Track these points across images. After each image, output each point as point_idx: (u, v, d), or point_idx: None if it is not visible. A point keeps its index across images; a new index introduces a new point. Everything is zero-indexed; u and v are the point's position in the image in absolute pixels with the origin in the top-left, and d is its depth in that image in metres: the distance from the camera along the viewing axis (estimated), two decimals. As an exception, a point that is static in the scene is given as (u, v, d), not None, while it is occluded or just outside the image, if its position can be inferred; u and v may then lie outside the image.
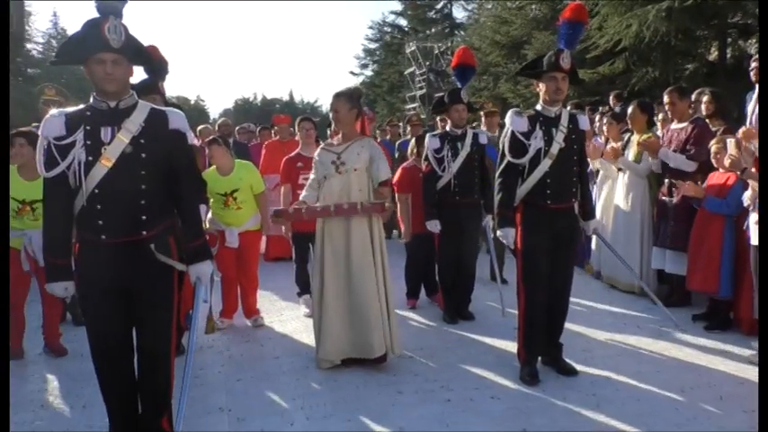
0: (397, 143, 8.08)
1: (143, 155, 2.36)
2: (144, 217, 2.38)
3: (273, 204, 4.80)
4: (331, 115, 3.70)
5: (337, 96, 3.64)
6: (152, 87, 3.58)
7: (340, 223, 3.55)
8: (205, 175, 4.54)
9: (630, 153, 5.15)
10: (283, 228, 4.83)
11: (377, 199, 3.64)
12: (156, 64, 3.69)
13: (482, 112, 5.93)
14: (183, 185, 2.49)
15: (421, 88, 24.96)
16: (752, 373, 3.41)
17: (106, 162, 2.30)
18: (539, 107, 3.46)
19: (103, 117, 2.36)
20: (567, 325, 3.71)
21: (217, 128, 7.99)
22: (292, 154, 5.05)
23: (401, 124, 9.79)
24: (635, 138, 5.12)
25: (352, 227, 3.54)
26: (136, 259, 2.39)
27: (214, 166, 4.56)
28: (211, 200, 4.52)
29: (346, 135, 3.67)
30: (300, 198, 3.65)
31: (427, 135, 4.79)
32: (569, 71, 3.32)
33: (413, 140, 5.28)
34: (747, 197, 3.70)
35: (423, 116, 19.08)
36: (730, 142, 3.86)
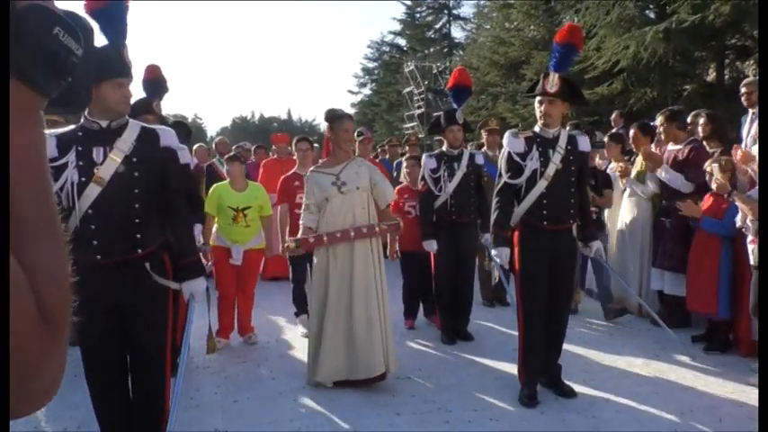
0: (395, 162, 8.15)
1: (136, 173, 2.39)
2: (138, 235, 2.40)
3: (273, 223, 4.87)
4: (339, 136, 3.68)
5: (350, 118, 3.73)
6: (146, 107, 3.62)
7: (345, 245, 3.59)
8: (218, 188, 4.72)
9: (633, 171, 5.23)
10: (281, 247, 4.88)
11: (383, 219, 3.72)
12: (154, 83, 3.76)
13: (484, 130, 5.99)
14: (175, 203, 2.52)
15: (419, 107, 25.17)
16: (751, 395, 3.41)
17: (99, 182, 2.33)
18: (536, 128, 3.50)
19: (95, 137, 2.39)
20: (566, 346, 3.73)
21: (214, 146, 8.09)
22: (289, 173, 5.11)
23: (399, 143, 9.89)
24: (639, 159, 5.21)
25: (355, 247, 3.59)
26: (131, 279, 2.40)
27: (227, 181, 4.71)
28: (216, 218, 4.61)
29: (340, 156, 3.74)
30: (303, 223, 3.66)
31: (424, 155, 4.89)
32: (557, 94, 3.34)
33: (405, 161, 5.37)
34: (739, 219, 3.75)
35: (421, 135, 19.21)
36: (715, 166, 3.93)
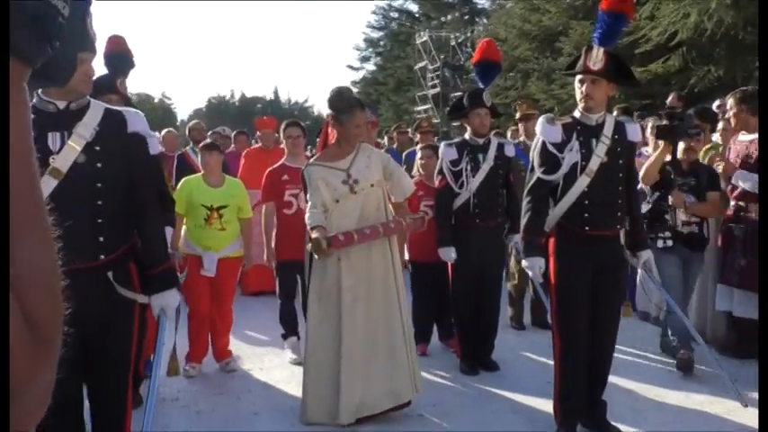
0: (404, 153, 8.15)
1: (99, 164, 2.39)
2: (101, 238, 2.41)
3: (255, 226, 4.87)
4: (348, 131, 3.75)
5: (363, 107, 3.81)
6: (110, 86, 3.63)
7: (361, 249, 3.68)
8: (188, 182, 4.75)
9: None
10: (265, 255, 4.96)
11: (400, 215, 3.86)
12: (118, 57, 3.77)
13: (517, 115, 6.02)
14: (146, 200, 2.54)
15: (434, 87, 25.23)
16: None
17: (55, 174, 2.32)
18: (577, 113, 3.53)
19: (51, 121, 2.38)
20: (612, 379, 3.73)
21: (187, 132, 8.11)
22: (276, 165, 5.11)
23: (410, 131, 9.92)
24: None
25: (373, 251, 3.73)
26: (90, 291, 2.36)
27: (200, 174, 4.73)
28: (185, 218, 4.66)
29: (345, 148, 3.79)
30: (311, 223, 3.67)
31: (442, 144, 4.89)
32: (602, 72, 3.37)
33: (420, 151, 5.40)
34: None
35: (435, 120, 19.24)
36: None
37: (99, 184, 2.40)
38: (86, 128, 2.40)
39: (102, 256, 2.42)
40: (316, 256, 3.63)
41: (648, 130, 5.45)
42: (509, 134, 8.72)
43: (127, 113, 2.54)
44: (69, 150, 2.36)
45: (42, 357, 0.56)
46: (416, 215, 3.91)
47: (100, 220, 2.41)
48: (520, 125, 6.22)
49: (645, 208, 4.58)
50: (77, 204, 2.36)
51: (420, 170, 5.27)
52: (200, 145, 5.09)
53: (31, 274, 0.55)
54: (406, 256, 5.11)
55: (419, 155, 5.37)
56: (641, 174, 4.55)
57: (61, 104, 2.41)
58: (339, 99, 3.73)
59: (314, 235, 3.56)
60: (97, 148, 2.40)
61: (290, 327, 5.02)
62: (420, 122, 8.61)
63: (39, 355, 0.56)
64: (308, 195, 3.76)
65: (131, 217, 2.54)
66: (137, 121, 2.53)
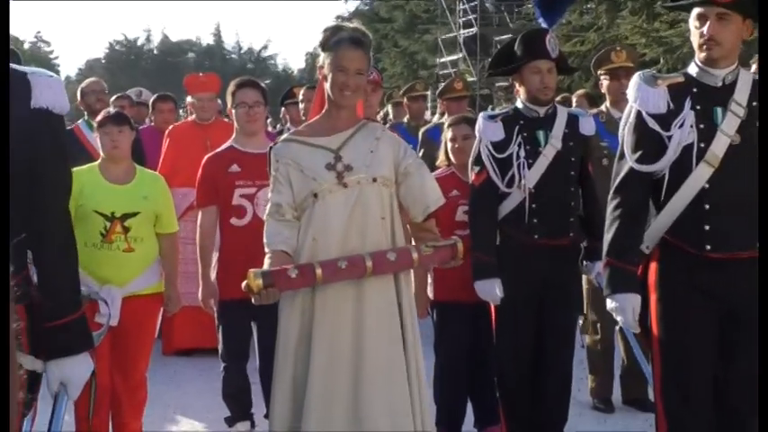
0: (421, 131, 8.07)
1: None
2: None
3: (183, 245, 4.82)
4: (336, 78, 3.64)
5: (356, 43, 3.67)
6: None
7: (347, 287, 3.61)
8: (79, 175, 4.70)
9: None
10: (200, 292, 5.02)
11: (421, 238, 3.76)
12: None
13: (600, 71, 6.03)
14: (48, 216, 2.64)
15: (468, 26, 25.32)
16: None
17: None
18: (692, 68, 3.55)
19: None
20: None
21: (78, 96, 7.99)
22: (219, 149, 5.15)
23: (429, 94, 9.83)
24: None
25: (366, 293, 3.60)
26: None
27: (96, 163, 4.81)
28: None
29: (340, 118, 3.76)
30: (269, 243, 3.65)
31: (480, 118, 4.86)
32: (733, 3, 3.37)
33: (450, 128, 5.33)
34: None
35: (471, 79, 19.22)
36: None
37: None
38: None
39: None
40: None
41: None
42: (573, 100, 8.68)
43: (33, 76, 2.63)
44: None
45: None
46: (445, 242, 3.73)
47: None
48: (603, 84, 6.17)
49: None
50: None
51: (451, 155, 5.21)
52: (98, 118, 5.01)
53: None
54: (429, 295, 5.10)
55: (448, 133, 5.32)
56: None
57: None
58: (329, 29, 3.73)
59: (253, 270, 3.44)
60: None
61: (239, 406, 4.98)
62: (451, 83, 8.50)
63: None
64: (269, 190, 3.75)
65: (26, 240, 2.57)
66: (45, 89, 2.62)
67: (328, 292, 3.58)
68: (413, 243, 3.81)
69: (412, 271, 3.92)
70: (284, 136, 3.89)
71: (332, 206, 3.63)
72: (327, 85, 3.68)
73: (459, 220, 4.99)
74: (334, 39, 3.67)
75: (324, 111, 3.78)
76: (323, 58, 3.71)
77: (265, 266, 3.55)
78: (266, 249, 3.64)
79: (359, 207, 3.63)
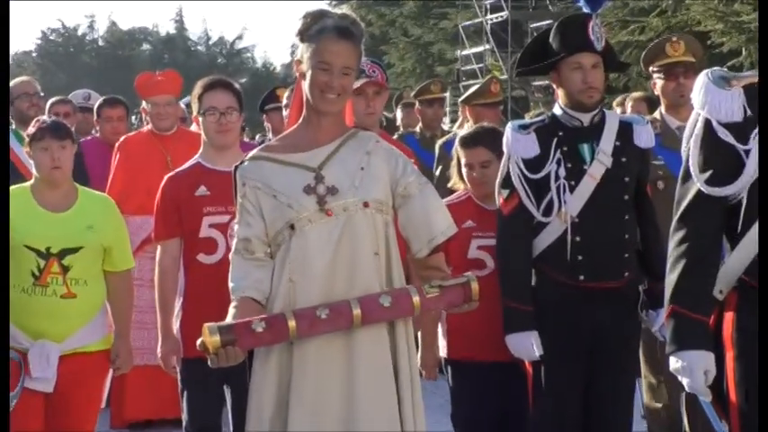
0: (438, 144, 8.07)
1: None
2: None
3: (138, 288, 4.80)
4: (315, 77, 3.61)
5: (343, 34, 3.64)
6: None
7: (333, 341, 3.57)
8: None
9: None
10: (159, 347, 5.01)
11: (425, 276, 3.71)
12: None
13: (652, 67, 6.03)
14: None
15: (496, 9, 25.44)
16: None
17: None
18: None
19: None
20: None
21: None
22: (184, 167, 5.22)
23: (447, 96, 9.83)
24: None
25: (357, 347, 3.57)
26: None
27: (28, 184, 4.89)
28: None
29: (323, 128, 3.71)
30: (235, 287, 3.63)
31: (509, 128, 4.90)
32: None
33: (461, 149, 5.30)
34: None
35: (502, 77, 19.27)
36: None
37: None
38: None
39: None
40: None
41: None
42: (627, 106, 8.60)
43: None
44: None
45: None
46: (455, 280, 3.66)
47: None
48: (656, 85, 6.15)
49: None
50: None
51: (465, 180, 5.20)
52: (31, 127, 5.02)
53: None
54: (441, 352, 5.15)
55: (461, 156, 5.30)
56: None
57: None
58: (312, 20, 3.68)
59: (208, 325, 3.42)
60: None
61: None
62: (487, 86, 8.37)
63: None
64: (235, 220, 3.75)
65: None
66: None
67: (309, 348, 3.55)
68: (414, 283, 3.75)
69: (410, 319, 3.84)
70: (253, 152, 3.84)
71: (312, 239, 3.58)
72: (306, 86, 3.64)
73: (472, 257, 4.99)
74: (316, 27, 3.62)
75: (301, 119, 3.74)
76: (301, 51, 3.66)
77: (229, 318, 3.52)
78: (231, 296, 3.60)
79: (346, 240, 3.58)
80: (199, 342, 3.46)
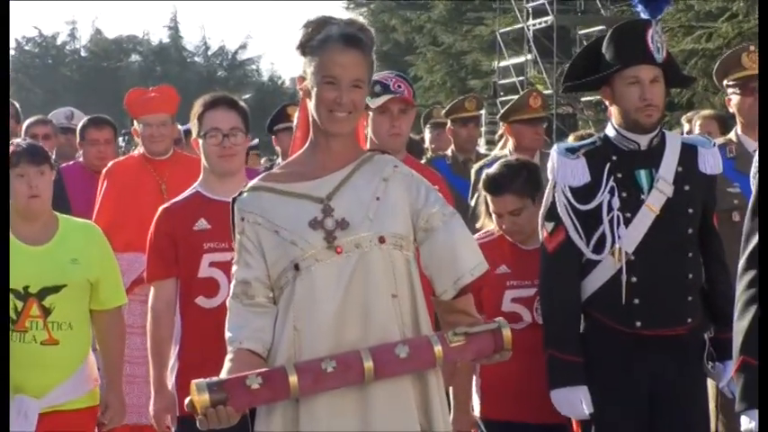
0: (474, 168, 8.08)
1: None
2: None
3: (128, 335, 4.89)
4: (322, 96, 3.59)
5: (351, 42, 3.61)
6: None
7: (346, 396, 3.54)
8: None
9: None
10: (152, 403, 5.03)
11: (451, 321, 3.64)
12: None
13: (727, 81, 6.07)
14: None
15: (539, 13, 25.38)
16: None
17: None
18: None
19: None
20: None
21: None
22: (181, 196, 5.27)
23: (483, 114, 9.86)
24: None
25: (373, 404, 3.53)
26: None
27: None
28: None
29: (333, 152, 3.69)
30: (231, 337, 3.60)
31: (554, 151, 4.99)
32: None
33: (488, 194, 5.36)
34: None
35: (547, 91, 19.28)
36: None
37: None
38: None
39: None
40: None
41: None
42: (695, 125, 8.59)
43: None
44: None
45: None
46: (484, 326, 3.58)
47: None
48: (731, 101, 6.19)
49: None
50: None
51: (495, 225, 5.27)
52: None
53: None
54: (475, 410, 5.22)
55: (489, 203, 5.35)
56: None
57: None
58: (315, 29, 3.64)
59: (196, 381, 3.39)
60: None
61: None
62: (525, 100, 8.29)
63: None
64: (234, 259, 3.71)
65: None
66: None
67: (318, 405, 3.51)
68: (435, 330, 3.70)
69: (438, 373, 3.73)
70: (253, 182, 3.80)
71: (320, 281, 3.53)
72: (311, 105, 3.62)
73: (506, 310, 4.96)
74: (319, 37, 3.58)
75: (308, 143, 3.72)
76: (304, 66, 3.64)
77: (223, 373, 3.48)
78: (228, 348, 3.57)
79: (358, 281, 3.53)
80: (187, 401, 3.43)
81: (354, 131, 3.81)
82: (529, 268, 4.97)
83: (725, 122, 8.55)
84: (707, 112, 9.76)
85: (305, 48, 3.62)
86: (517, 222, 5.07)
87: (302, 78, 3.67)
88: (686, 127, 9.07)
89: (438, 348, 3.49)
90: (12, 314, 4.65)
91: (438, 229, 3.63)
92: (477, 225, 5.51)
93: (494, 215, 5.19)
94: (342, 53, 3.58)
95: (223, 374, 3.46)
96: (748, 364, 3.47)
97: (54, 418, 4.68)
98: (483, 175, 5.53)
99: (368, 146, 4.07)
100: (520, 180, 5.12)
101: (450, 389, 5.09)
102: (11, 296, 4.64)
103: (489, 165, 7.21)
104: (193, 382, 3.35)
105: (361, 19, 3.97)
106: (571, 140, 7.86)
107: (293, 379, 3.36)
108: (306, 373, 3.38)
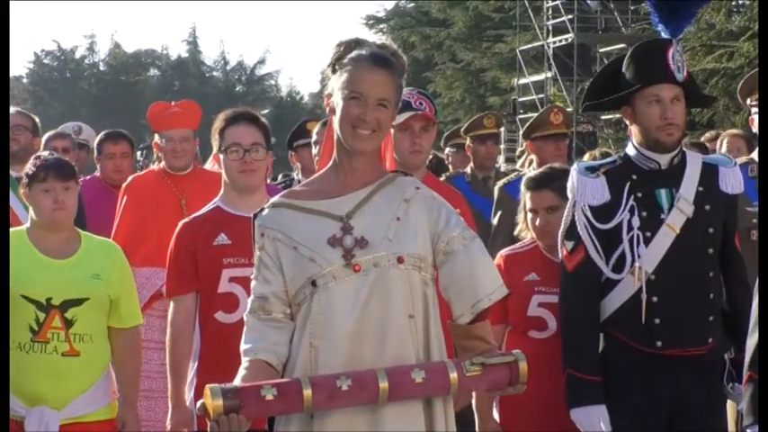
0: (497, 186, 8.06)
1: None
2: None
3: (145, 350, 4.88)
4: (347, 112, 3.59)
5: (380, 63, 3.62)
6: None
7: (359, 415, 3.54)
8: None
9: None
10: (169, 417, 5.02)
11: (467, 347, 3.63)
12: None
13: (750, 100, 6.11)
14: None
15: (560, 31, 25.34)
16: None
17: None
18: None
19: None
20: None
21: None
22: (202, 211, 5.27)
23: (503, 132, 9.84)
24: None
25: (383, 418, 3.51)
26: None
27: (23, 227, 4.97)
28: None
29: (358, 170, 3.72)
30: (247, 349, 3.59)
31: (574, 170, 4.99)
32: None
33: (526, 192, 5.40)
34: None
35: (568, 109, 19.23)
36: None
37: None
38: None
39: None
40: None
41: None
42: (722, 144, 8.56)
43: None
44: None
45: None
46: (501, 358, 3.58)
47: None
48: (754, 121, 6.15)
49: None
50: None
51: (529, 228, 5.26)
52: (28, 166, 5.12)
53: None
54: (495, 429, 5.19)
55: (526, 200, 5.37)
56: None
57: None
58: (347, 48, 3.65)
59: (210, 386, 3.36)
60: None
61: None
62: (546, 115, 8.30)
63: None
64: (253, 274, 3.70)
65: None
66: None
67: (331, 422, 3.51)
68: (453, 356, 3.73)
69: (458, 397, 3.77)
70: (274, 198, 3.81)
71: (337, 299, 3.53)
72: (336, 121, 3.61)
73: (532, 315, 5.05)
74: (351, 56, 3.60)
75: (331, 161, 3.72)
76: (332, 83, 3.65)
77: (236, 380, 3.45)
78: (243, 358, 3.55)
79: (376, 300, 3.53)
80: (199, 404, 3.42)
81: (378, 151, 3.81)
82: (555, 281, 4.98)
83: (751, 142, 8.45)
84: (734, 131, 9.81)
85: (335, 65, 3.64)
86: (550, 222, 5.08)
87: (329, 95, 3.67)
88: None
89: (454, 376, 3.49)
90: (33, 325, 4.63)
91: (458, 253, 3.62)
92: (516, 233, 5.55)
93: (529, 214, 5.22)
94: (370, 71, 3.58)
95: (236, 382, 3.44)
96: (754, 379, 3.60)
97: (74, 429, 4.67)
98: (524, 179, 5.59)
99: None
100: (561, 180, 5.13)
101: (473, 401, 5.13)
102: (32, 307, 4.62)
103: (514, 182, 7.46)
104: (208, 386, 3.34)
105: (393, 45, 3.83)
106: (587, 159, 7.79)
107: (307, 393, 3.35)
108: (321, 388, 3.37)
